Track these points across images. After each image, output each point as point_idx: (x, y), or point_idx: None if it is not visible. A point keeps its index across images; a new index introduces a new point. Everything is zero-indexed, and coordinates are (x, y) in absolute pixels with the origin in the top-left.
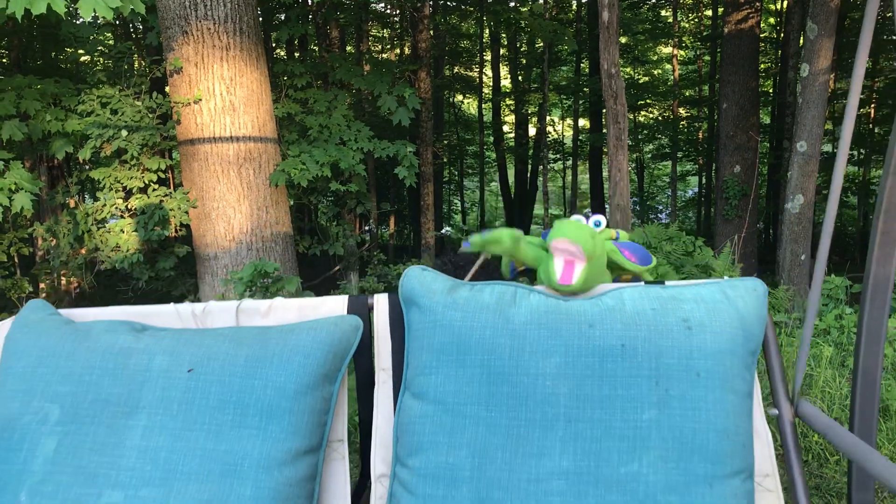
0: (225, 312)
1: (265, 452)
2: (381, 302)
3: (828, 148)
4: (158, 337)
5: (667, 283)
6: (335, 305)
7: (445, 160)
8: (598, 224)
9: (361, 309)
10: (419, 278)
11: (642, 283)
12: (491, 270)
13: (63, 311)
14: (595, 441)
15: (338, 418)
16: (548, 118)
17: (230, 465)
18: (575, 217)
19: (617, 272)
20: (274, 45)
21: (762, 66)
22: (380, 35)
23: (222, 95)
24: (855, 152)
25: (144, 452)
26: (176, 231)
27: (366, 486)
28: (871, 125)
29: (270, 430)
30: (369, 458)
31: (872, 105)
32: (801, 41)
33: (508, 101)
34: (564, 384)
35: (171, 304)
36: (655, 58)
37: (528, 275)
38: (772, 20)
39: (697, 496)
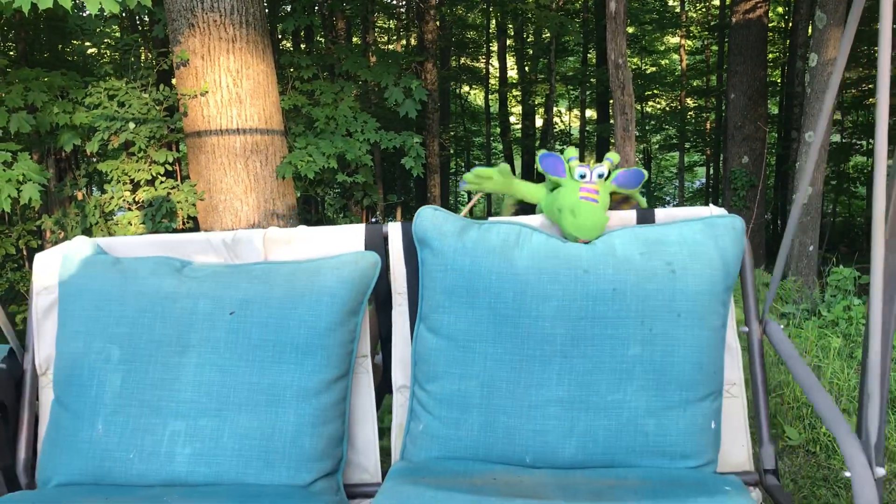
0: (252, 241)
1: (303, 384)
2: (395, 232)
3: (836, 138)
4: (199, 279)
5: (657, 215)
6: (352, 234)
7: (452, 151)
8: (601, 175)
9: (377, 238)
10: (431, 219)
11: (634, 209)
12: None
13: (102, 242)
14: (587, 374)
15: (362, 338)
16: (555, 109)
17: (274, 396)
18: (578, 170)
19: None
20: (280, 36)
21: (770, 55)
22: (386, 26)
23: (229, 87)
24: (864, 142)
25: (199, 386)
26: (183, 223)
27: (387, 390)
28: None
29: (306, 365)
30: (389, 364)
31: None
32: (810, 30)
33: (515, 92)
34: (561, 325)
35: (203, 232)
36: (663, 48)
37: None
38: (780, 9)
39: (672, 418)
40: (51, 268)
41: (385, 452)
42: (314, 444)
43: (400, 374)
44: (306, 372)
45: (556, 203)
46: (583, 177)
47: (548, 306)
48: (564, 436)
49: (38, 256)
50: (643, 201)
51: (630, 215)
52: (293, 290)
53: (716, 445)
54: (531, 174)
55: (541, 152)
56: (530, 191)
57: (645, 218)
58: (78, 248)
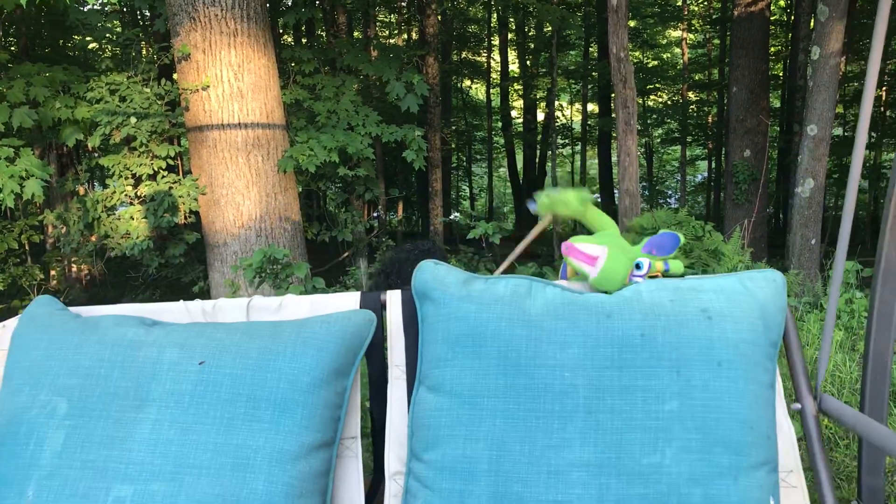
0: (236, 309)
1: (278, 446)
2: (393, 298)
3: (838, 131)
4: (168, 330)
5: (686, 276)
6: (347, 301)
7: (453, 146)
8: (639, 266)
9: (374, 305)
10: (432, 272)
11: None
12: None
13: (72, 309)
14: (616, 432)
15: (351, 415)
16: (556, 103)
17: (242, 459)
18: (641, 259)
19: None
20: (281, 31)
21: (772, 49)
22: (387, 20)
23: (230, 82)
24: (867, 135)
25: (154, 446)
26: (185, 218)
27: (380, 485)
28: (882, 108)
29: (283, 424)
30: (383, 457)
31: (885, 88)
32: (812, 23)
33: (517, 86)
34: (583, 375)
35: (181, 301)
36: (665, 41)
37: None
38: (782, 2)
39: (722, 488)
40: (6, 335)
41: None
42: None
43: (394, 459)
44: (283, 432)
45: (607, 243)
46: (638, 266)
47: (567, 354)
48: None
49: None
50: (679, 265)
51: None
52: (275, 342)
53: None
54: (532, 168)
55: (666, 232)
56: (605, 221)
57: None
58: (39, 305)
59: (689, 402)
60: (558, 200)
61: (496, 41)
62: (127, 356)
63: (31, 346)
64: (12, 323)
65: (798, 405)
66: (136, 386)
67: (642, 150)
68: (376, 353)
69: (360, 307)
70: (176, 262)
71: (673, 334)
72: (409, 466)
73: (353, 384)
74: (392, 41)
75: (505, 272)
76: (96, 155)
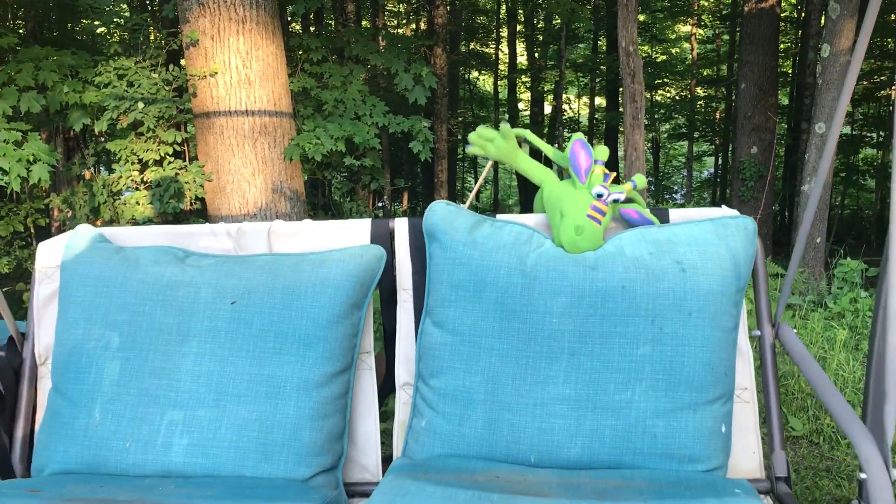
0: (258, 233)
1: (304, 376)
2: (401, 227)
3: (847, 130)
4: (202, 268)
5: (671, 214)
6: (359, 228)
7: (460, 137)
8: (616, 201)
9: (383, 233)
10: (443, 214)
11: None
12: None
13: (107, 231)
14: (594, 372)
15: (365, 334)
16: (564, 96)
17: (274, 388)
18: (596, 188)
19: None
20: (289, 18)
21: (782, 45)
22: (396, 10)
23: (238, 69)
24: (874, 134)
25: (198, 377)
26: (191, 204)
27: (391, 390)
28: (891, 107)
29: (307, 357)
30: (394, 365)
31: (894, 87)
32: (823, 21)
33: (524, 79)
34: (569, 321)
35: (207, 223)
36: (674, 36)
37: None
38: None
39: (682, 420)
40: (53, 255)
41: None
42: (313, 438)
43: (404, 372)
44: (307, 364)
45: (559, 204)
46: (599, 196)
47: (556, 302)
48: (570, 435)
49: (41, 245)
50: (645, 207)
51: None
52: (297, 281)
53: (726, 450)
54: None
55: (577, 136)
56: (534, 170)
57: (659, 217)
58: (81, 236)
59: (659, 347)
60: (484, 136)
61: (505, 33)
62: (167, 295)
63: (80, 282)
64: (57, 245)
65: (758, 332)
66: (178, 323)
67: (649, 144)
68: (387, 274)
69: (371, 235)
70: None
71: (651, 286)
72: (417, 385)
73: (366, 311)
74: (400, 31)
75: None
76: (103, 140)
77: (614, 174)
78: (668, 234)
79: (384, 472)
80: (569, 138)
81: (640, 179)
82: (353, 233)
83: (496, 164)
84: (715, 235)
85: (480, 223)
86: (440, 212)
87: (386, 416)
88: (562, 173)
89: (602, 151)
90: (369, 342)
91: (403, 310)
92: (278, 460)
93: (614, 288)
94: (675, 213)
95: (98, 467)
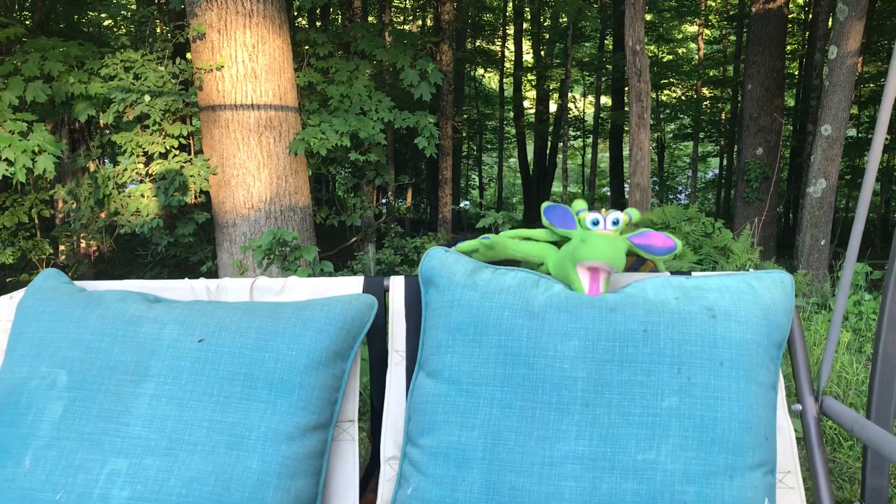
0: (239, 290)
1: (273, 426)
2: (397, 284)
3: (852, 132)
4: (170, 307)
5: (693, 274)
6: (350, 285)
7: (465, 134)
8: (616, 222)
9: (377, 289)
10: (441, 259)
11: (660, 273)
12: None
13: (78, 283)
14: (612, 427)
15: (348, 398)
16: (569, 95)
17: (237, 437)
18: (590, 216)
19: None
20: (296, 13)
21: (789, 47)
22: (402, 6)
23: (244, 63)
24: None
25: (151, 421)
26: (196, 197)
27: (376, 468)
28: None
29: (279, 404)
30: (380, 441)
31: None
32: (830, 23)
33: (530, 77)
34: (583, 368)
35: (186, 279)
36: (680, 36)
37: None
38: (800, 0)
39: (717, 487)
40: (13, 306)
41: None
42: (279, 500)
43: (391, 444)
44: (278, 412)
45: (566, 260)
46: (595, 224)
47: (568, 346)
48: (584, 501)
49: (2, 298)
50: (663, 268)
51: (663, 273)
52: (275, 322)
53: None
54: (543, 159)
55: (545, 205)
56: (531, 249)
57: (680, 275)
58: (45, 277)
59: (688, 399)
60: (465, 249)
61: (511, 30)
62: (128, 331)
63: (34, 318)
64: (19, 295)
65: (799, 406)
66: (136, 361)
67: (654, 144)
68: (378, 339)
69: (364, 291)
70: (185, 241)
71: (676, 331)
72: (405, 450)
73: (352, 368)
74: (407, 27)
75: None
76: (108, 132)
77: (605, 209)
78: (697, 281)
79: None
80: (574, 137)
81: (634, 213)
82: (343, 289)
83: (500, 162)
84: (748, 285)
85: (481, 269)
86: (438, 257)
87: None
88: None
89: (579, 203)
90: (353, 410)
91: (394, 373)
92: None
93: (634, 331)
94: (698, 275)
95: None
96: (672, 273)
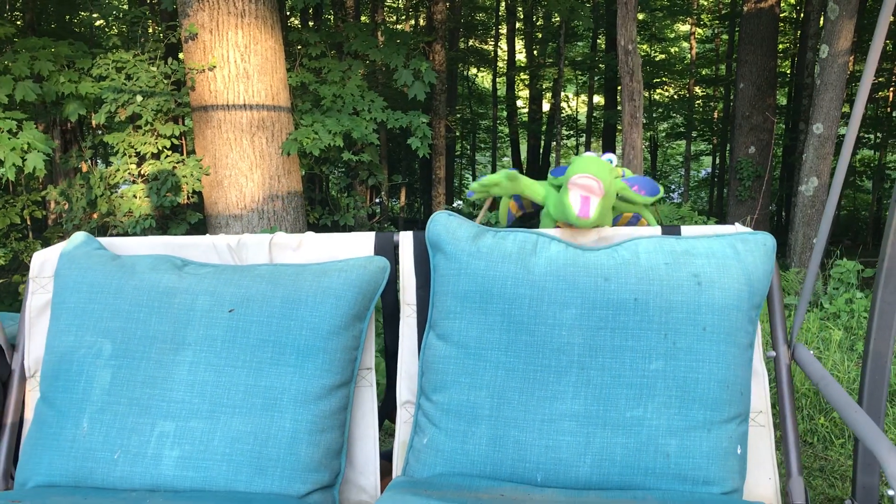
0: (258, 246)
1: (302, 388)
2: (406, 240)
3: (844, 131)
4: (199, 276)
5: (682, 232)
6: (363, 241)
7: (458, 134)
8: (610, 161)
9: (387, 246)
10: (445, 224)
11: (647, 226)
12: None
13: (104, 241)
14: (605, 387)
15: (366, 349)
16: (562, 94)
17: (270, 400)
18: (588, 153)
19: (620, 209)
20: (288, 13)
21: (781, 46)
22: (395, 5)
23: (236, 63)
24: (871, 136)
25: (192, 386)
26: (188, 198)
27: (392, 409)
28: (888, 109)
29: (306, 368)
30: (395, 384)
31: (891, 89)
32: (822, 21)
33: (523, 76)
34: (579, 334)
35: (208, 235)
36: (673, 35)
37: (525, 222)
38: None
39: (696, 439)
40: (48, 264)
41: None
42: (310, 453)
43: (405, 390)
44: (306, 375)
45: (561, 184)
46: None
47: (566, 314)
48: (579, 453)
49: (35, 254)
50: (654, 222)
51: (655, 230)
52: (297, 290)
53: (742, 473)
54: (536, 158)
55: (552, 169)
56: (535, 188)
57: (671, 234)
58: (76, 244)
59: (673, 362)
60: (488, 183)
61: (504, 30)
62: (163, 302)
63: (74, 287)
64: (52, 253)
65: (773, 353)
66: (174, 330)
67: (647, 143)
68: (389, 289)
69: (375, 248)
70: None
71: (664, 299)
72: (419, 402)
73: (368, 324)
74: (400, 27)
75: None
76: (100, 132)
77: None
78: (686, 245)
79: None
80: (567, 136)
81: (627, 171)
82: (356, 245)
83: (494, 161)
84: (733, 249)
85: (483, 232)
86: (442, 222)
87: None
88: None
89: (628, 171)
90: (370, 358)
91: (407, 325)
92: (273, 475)
93: (626, 300)
94: (686, 230)
95: (84, 480)
96: (664, 230)
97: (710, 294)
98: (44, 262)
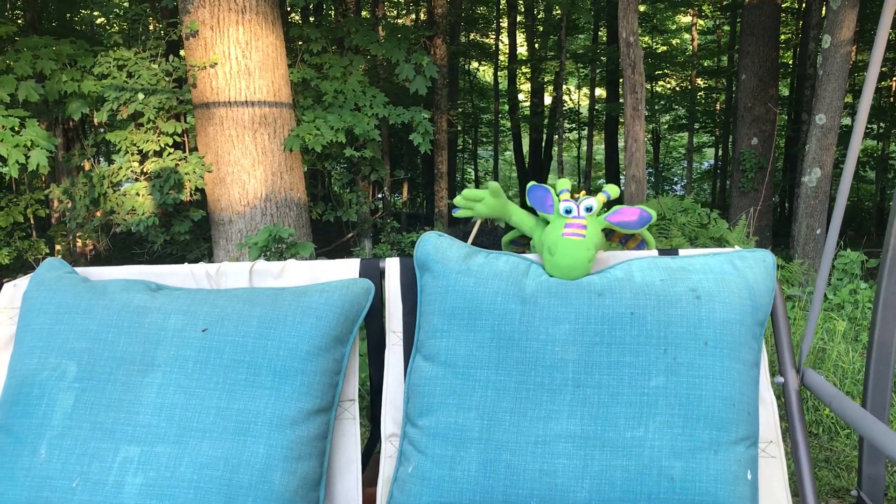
0: (238, 274)
1: (278, 411)
2: (392, 266)
3: (847, 121)
4: (173, 297)
5: (680, 252)
6: (347, 268)
7: (460, 128)
8: (589, 209)
9: (373, 272)
10: (435, 244)
11: (647, 250)
12: (498, 236)
13: (79, 270)
14: (602, 406)
15: (349, 379)
16: (564, 87)
17: (243, 424)
18: (563, 205)
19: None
20: (289, 9)
21: (783, 36)
22: (395, 0)
23: (238, 59)
24: (875, 126)
25: (160, 409)
26: (191, 195)
27: (376, 445)
28: (892, 98)
29: (283, 390)
30: (380, 419)
31: (895, 79)
32: (824, 11)
33: (524, 69)
34: (573, 350)
35: (186, 264)
36: (674, 27)
37: (521, 248)
38: None
39: (702, 462)
40: (18, 294)
41: None
42: (285, 482)
43: (390, 422)
44: (282, 398)
45: (543, 242)
46: (569, 212)
47: (559, 329)
48: (576, 478)
49: (6, 285)
50: (651, 240)
51: (650, 252)
52: (275, 310)
53: (754, 500)
54: (538, 152)
55: (530, 185)
56: (524, 220)
57: (667, 255)
58: (47, 269)
59: (674, 378)
60: (472, 198)
61: (505, 23)
62: (133, 322)
63: (41, 309)
64: (23, 283)
65: (781, 379)
66: (143, 351)
67: (649, 136)
68: (375, 318)
69: (360, 274)
70: (181, 238)
71: (662, 313)
72: (405, 430)
73: (351, 350)
74: (400, 21)
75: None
76: (102, 130)
77: (583, 192)
78: (682, 262)
79: None
80: (569, 129)
81: (613, 190)
82: (341, 272)
83: (496, 155)
84: (732, 266)
85: (474, 253)
86: (432, 241)
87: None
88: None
89: (562, 183)
90: (353, 389)
91: (392, 354)
92: None
93: (622, 314)
94: (684, 252)
95: None
96: (660, 252)
97: (711, 307)
98: (14, 292)
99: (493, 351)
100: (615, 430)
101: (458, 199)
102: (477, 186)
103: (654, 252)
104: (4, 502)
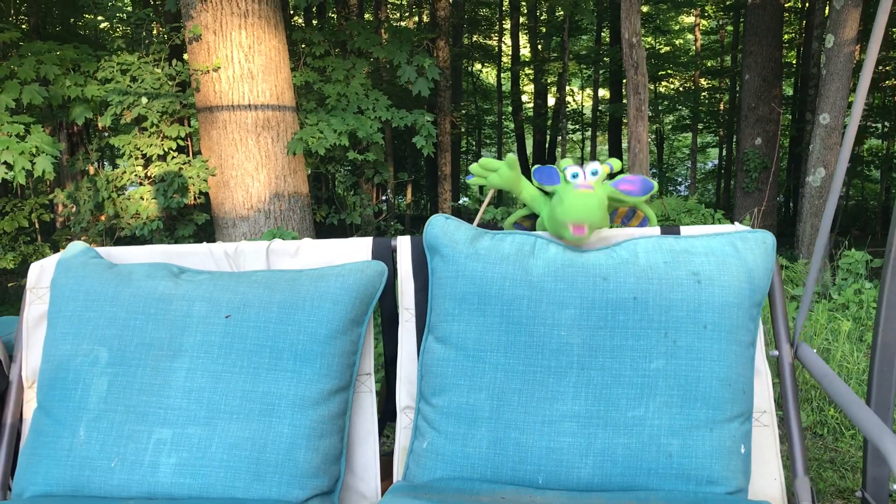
0: (256, 253)
1: (300, 393)
2: (403, 245)
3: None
4: (196, 283)
5: (682, 231)
6: (360, 247)
7: (463, 130)
8: (595, 173)
9: (385, 251)
10: (442, 227)
11: (644, 218)
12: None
13: (101, 250)
14: (605, 387)
15: (365, 355)
16: (567, 88)
17: (268, 405)
18: (570, 170)
19: (614, 206)
20: (292, 12)
21: (786, 36)
22: (398, 2)
23: (241, 63)
24: (880, 125)
25: (189, 393)
26: (195, 199)
27: (391, 415)
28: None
29: (304, 373)
30: (394, 390)
31: None
32: (827, 11)
33: (527, 71)
34: (578, 334)
35: (205, 243)
36: (677, 27)
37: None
38: None
39: (698, 439)
40: (45, 274)
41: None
42: (309, 459)
43: (405, 395)
44: (304, 380)
45: (553, 206)
46: (575, 176)
47: (564, 314)
48: (580, 455)
49: (32, 265)
50: (653, 215)
51: (654, 230)
52: (294, 295)
53: (746, 472)
54: (542, 153)
55: (535, 167)
56: (534, 195)
57: (670, 234)
58: (73, 254)
59: (673, 361)
60: (488, 167)
61: (507, 25)
62: (159, 309)
63: (71, 296)
64: (49, 263)
65: (776, 352)
66: (170, 337)
67: (653, 136)
68: (388, 294)
69: (373, 253)
70: (185, 242)
71: (663, 298)
72: (419, 406)
73: (366, 329)
74: (403, 24)
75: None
76: (107, 134)
77: (606, 170)
78: (685, 244)
79: None
80: (572, 130)
81: (616, 163)
82: (354, 251)
83: (499, 157)
84: (733, 248)
85: (481, 235)
86: (440, 225)
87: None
88: None
89: (566, 161)
90: (369, 364)
91: (405, 330)
92: (271, 481)
93: (625, 299)
94: (686, 230)
95: (81, 489)
96: (662, 231)
97: (710, 292)
98: (41, 272)
99: (501, 335)
100: (617, 410)
101: (473, 167)
102: (480, 188)
103: (657, 230)
104: (49, 480)
